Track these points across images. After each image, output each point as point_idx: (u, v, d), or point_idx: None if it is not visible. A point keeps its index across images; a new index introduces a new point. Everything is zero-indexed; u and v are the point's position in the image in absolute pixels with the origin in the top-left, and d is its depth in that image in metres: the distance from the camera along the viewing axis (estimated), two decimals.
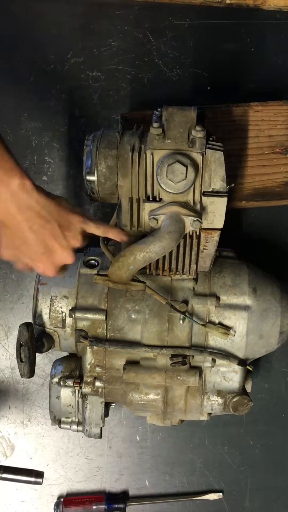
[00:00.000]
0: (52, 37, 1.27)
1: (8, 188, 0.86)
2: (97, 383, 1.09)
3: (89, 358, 1.08)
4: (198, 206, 0.96)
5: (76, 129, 1.27)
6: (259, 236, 1.28)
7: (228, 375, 1.09)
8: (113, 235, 0.97)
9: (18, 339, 1.01)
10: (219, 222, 0.98)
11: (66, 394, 1.10)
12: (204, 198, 0.96)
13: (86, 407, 1.09)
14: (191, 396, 1.09)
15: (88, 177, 0.99)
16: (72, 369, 1.12)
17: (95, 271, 1.08)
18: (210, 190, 0.96)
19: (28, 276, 1.28)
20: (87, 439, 1.26)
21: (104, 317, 1.07)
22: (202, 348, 1.07)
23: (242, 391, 1.10)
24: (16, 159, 0.87)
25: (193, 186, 0.94)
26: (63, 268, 0.95)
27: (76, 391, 1.10)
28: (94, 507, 1.27)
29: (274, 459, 1.32)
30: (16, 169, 0.86)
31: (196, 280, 1.08)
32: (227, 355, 1.07)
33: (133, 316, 1.07)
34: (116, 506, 1.28)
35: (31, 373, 1.03)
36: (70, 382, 1.09)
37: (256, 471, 1.32)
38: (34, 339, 1.04)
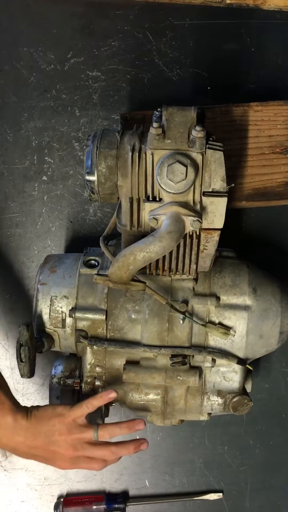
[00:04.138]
0: (52, 37, 1.27)
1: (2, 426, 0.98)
2: (97, 383, 1.09)
3: (89, 358, 1.08)
4: (198, 206, 0.96)
5: (76, 129, 1.27)
6: (259, 236, 1.28)
7: (228, 375, 1.09)
8: (100, 401, 1.02)
9: (18, 339, 1.01)
10: (219, 222, 0.98)
11: (66, 394, 1.10)
12: (204, 198, 0.96)
13: None
14: (191, 396, 1.09)
15: (88, 177, 0.99)
16: (72, 369, 1.12)
17: (95, 271, 1.08)
18: (210, 190, 0.96)
19: (28, 276, 1.28)
20: None
21: (104, 317, 1.07)
22: (202, 348, 1.07)
23: (242, 391, 1.10)
24: (7, 387, 1.00)
25: (193, 186, 0.94)
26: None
27: (76, 391, 1.10)
28: (94, 507, 1.27)
29: (274, 459, 1.32)
30: (8, 404, 0.98)
31: (196, 280, 1.08)
32: (226, 354, 1.07)
33: (133, 316, 1.07)
34: (116, 506, 1.28)
35: (31, 373, 1.03)
36: (70, 382, 1.09)
37: (256, 471, 1.32)
38: (34, 339, 1.04)
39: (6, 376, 1.28)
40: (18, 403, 1.01)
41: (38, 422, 0.99)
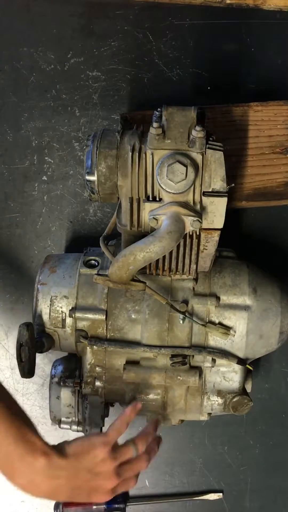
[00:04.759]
0: (52, 37, 1.27)
1: (33, 468, 0.85)
2: (97, 383, 1.09)
3: (89, 358, 1.08)
4: (198, 206, 0.96)
5: (76, 129, 1.27)
6: (259, 236, 1.28)
7: (228, 375, 1.09)
8: (131, 417, 0.97)
9: (18, 339, 1.01)
10: (219, 222, 0.98)
11: (66, 394, 1.10)
12: (204, 198, 0.96)
13: (86, 407, 1.09)
14: (191, 396, 1.09)
15: (88, 177, 0.99)
16: (72, 369, 1.12)
17: (95, 271, 1.08)
18: (210, 190, 0.96)
19: (28, 276, 1.28)
20: None
21: (104, 317, 1.07)
22: (202, 348, 1.07)
23: (242, 391, 1.10)
24: (35, 428, 0.88)
25: (193, 186, 0.94)
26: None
27: (76, 391, 1.10)
28: (94, 507, 1.27)
29: (274, 459, 1.32)
30: (39, 444, 0.86)
31: (196, 280, 1.08)
32: (226, 354, 1.07)
33: (133, 316, 1.07)
34: (116, 506, 1.28)
35: (31, 373, 1.03)
36: (70, 382, 1.09)
37: (256, 471, 1.32)
38: (34, 339, 1.04)
39: (6, 376, 1.28)
40: (48, 444, 0.89)
41: (77, 457, 0.90)
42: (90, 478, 0.90)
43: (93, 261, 1.11)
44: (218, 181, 0.95)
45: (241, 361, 1.08)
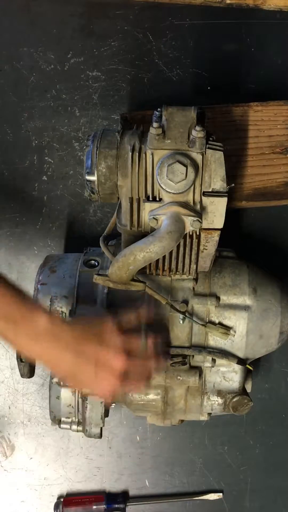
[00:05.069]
0: (52, 37, 1.27)
1: (36, 326, 0.84)
2: None
3: None
4: (198, 206, 0.96)
5: (76, 129, 1.27)
6: (259, 236, 1.28)
7: (228, 375, 1.09)
8: (143, 315, 0.98)
9: None
10: (219, 222, 0.98)
11: (66, 394, 1.10)
12: (204, 198, 0.96)
13: (86, 407, 1.09)
14: (191, 396, 1.09)
15: (88, 177, 0.99)
16: None
17: (95, 271, 1.08)
18: (210, 190, 0.96)
19: (28, 276, 1.28)
20: (87, 439, 1.26)
21: None
22: (202, 348, 1.07)
23: (242, 391, 1.10)
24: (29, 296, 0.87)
25: (193, 186, 0.94)
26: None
27: (76, 391, 1.10)
28: (94, 507, 1.27)
29: (274, 459, 1.32)
30: (41, 307, 0.88)
31: (196, 280, 1.08)
32: (226, 354, 1.07)
33: None
34: (116, 506, 1.28)
35: (31, 373, 1.03)
36: None
37: (256, 471, 1.32)
38: None
39: (6, 376, 1.28)
40: None
41: (83, 322, 0.90)
42: (96, 346, 0.88)
43: (93, 261, 1.11)
44: (218, 181, 0.95)
45: (241, 361, 1.08)
